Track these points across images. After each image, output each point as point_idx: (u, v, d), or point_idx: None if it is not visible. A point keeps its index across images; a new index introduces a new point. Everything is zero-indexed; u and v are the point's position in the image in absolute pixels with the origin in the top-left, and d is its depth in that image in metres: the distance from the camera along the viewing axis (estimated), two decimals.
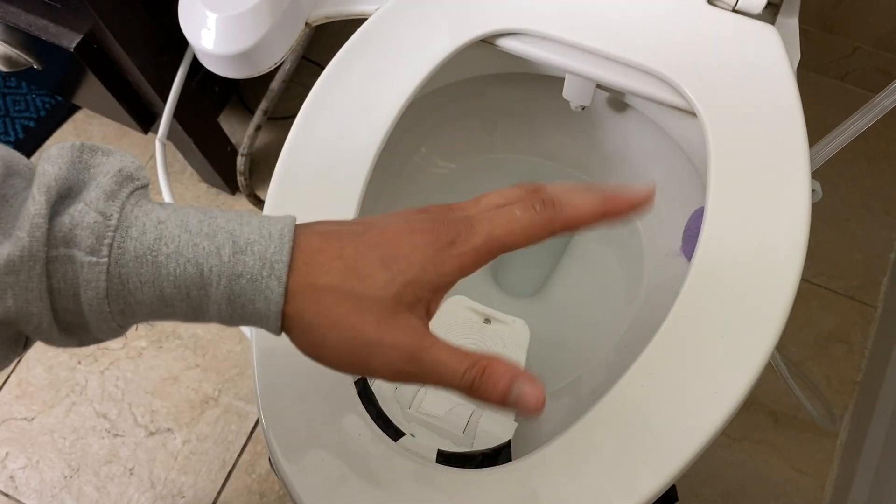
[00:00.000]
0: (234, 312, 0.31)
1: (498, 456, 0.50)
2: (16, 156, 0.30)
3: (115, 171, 0.30)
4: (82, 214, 0.28)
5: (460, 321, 0.61)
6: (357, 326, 0.31)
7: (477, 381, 0.31)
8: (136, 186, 0.31)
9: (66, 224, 0.28)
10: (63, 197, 0.29)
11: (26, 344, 0.31)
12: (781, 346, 0.95)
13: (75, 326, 0.30)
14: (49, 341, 0.30)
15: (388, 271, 0.31)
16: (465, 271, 0.32)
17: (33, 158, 1.14)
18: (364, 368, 0.32)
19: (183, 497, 0.94)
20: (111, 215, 0.29)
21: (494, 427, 0.52)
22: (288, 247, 0.30)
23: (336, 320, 0.31)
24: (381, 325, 0.31)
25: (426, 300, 0.32)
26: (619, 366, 0.66)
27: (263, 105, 0.90)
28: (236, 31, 0.62)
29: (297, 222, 0.32)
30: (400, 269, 0.31)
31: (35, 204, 0.27)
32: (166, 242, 0.29)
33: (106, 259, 0.28)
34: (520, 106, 0.77)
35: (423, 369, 0.31)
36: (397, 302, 0.31)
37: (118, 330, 0.31)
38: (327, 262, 0.31)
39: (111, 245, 0.29)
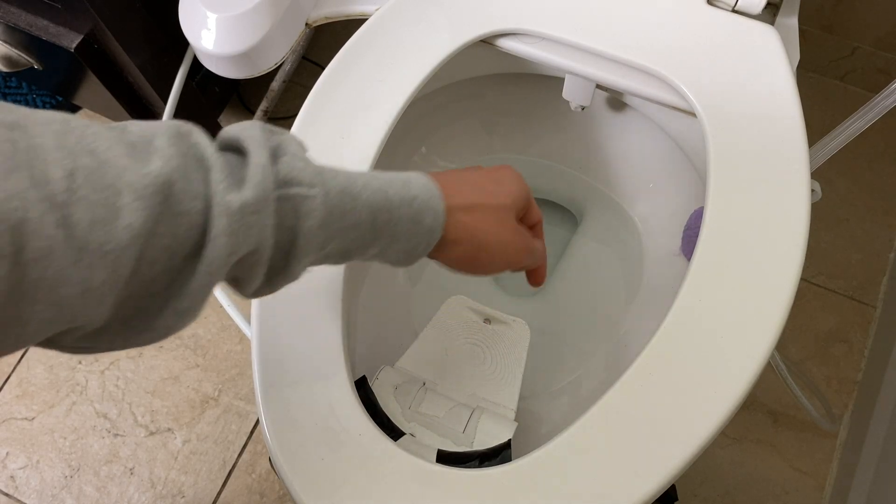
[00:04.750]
0: (409, 227, 0.39)
1: (498, 456, 0.50)
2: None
3: (296, 141, 0.37)
4: (293, 161, 0.35)
5: (460, 321, 0.61)
6: (493, 228, 0.43)
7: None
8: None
9: (285, 168, 0.34)
10: (270, 151, 0.35)
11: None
12: (781, 346, 0.95)
13: (283, 260, 0.36)
14: (249, 290, 0.36)
15: (501, 187, 0.45)
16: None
17: None
18: (497, 263, 0.45)
19: (183, 497, 0.94)
20: (311, 161, 0.36)
21: (494, 427, 0.52)
22: (433, 182, 0.41)
23: (478, 226, 0.42)
24: (508, 227, 0.44)
25: (523, 209, 0.46)
26: (619, 366, 0.66)
27: (264, 105, 0.90)
28: (237, 32, 0.62)
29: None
30: (508, 188, 0.45)
31: (259, 157, 0.33)
32: (354, 180, 0.37)
33: (321, 192, 0.35)
34: (520, 106, 0.77)
35: (532, 257, 0.47)
36: (512, 208, 0.45)
37: (299, 274, 0.37)
38: (462, 187, 0.43)
39: (322, 181, 0.35)
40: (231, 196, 0.31)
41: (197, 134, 0.32)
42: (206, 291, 0.32)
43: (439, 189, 0.41)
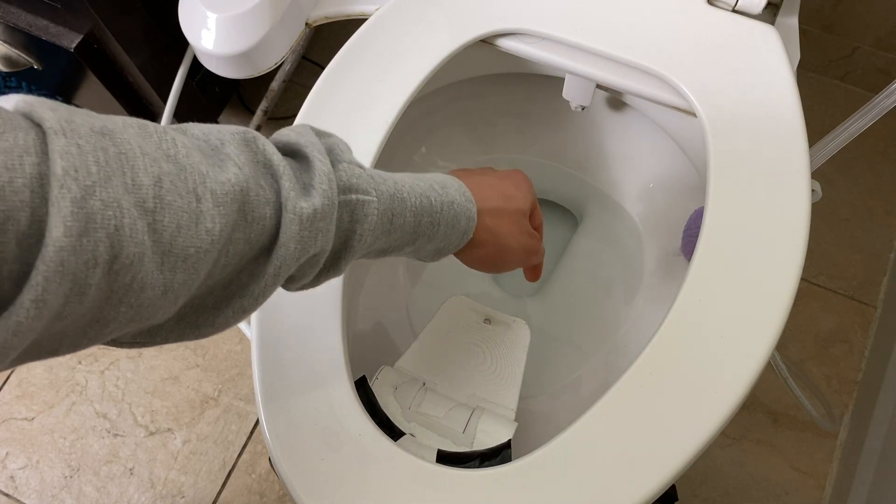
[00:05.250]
0: (448, 232, 0.42)
1: (498, 456, 0.50)
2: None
3: (343, 143, 0.38)
4: (351, 168, 0.36)
5: (461, 321, 0.61)
6: (513, 232, 0.47)
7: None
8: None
9: (345, 176, 0.36)
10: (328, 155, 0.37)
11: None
12: (781, 346, 0.95)
13: (328, 267, 0.38)
14: (303, 283, 0.38)
15: (519, 192, 0.49)
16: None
17: None
18: (511, 263, 0.49)
19: (183, 497, 0.94)
20: (365, 169, 0.38)
21: (494, 427, 0.52)
22: (464, 182, 0.44)
23: (500, 230, 0.46)
24: (524, 230, 0.48)
25: (530, 211, 0.50)
26: (619, 365, 0.66)
27: (263, 105, 0.90)
28: (236, 32, 0.62)
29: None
30: (524, 193, 0.49)
31: (323, 164, 0.35)
32: (400, 186, 0.39)
33: (376, 198, 0.37)
34: (520, 106, 0.77)
35: (538, 256, 0.52)
36: (527, 212, 0.49)
37: (344, 270, 0.39)
38: (488, 191, 0.46)
39: (376, 188, 0.37)
40: (303, 203, 0.33)
41: (262, 141, 0.34)
42: (270, 291, 0.34)
43: (471, 194, 0.44)
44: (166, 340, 0.32)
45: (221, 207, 0.29)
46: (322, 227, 0.34)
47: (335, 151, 0.37)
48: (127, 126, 0.28)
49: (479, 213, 0.44)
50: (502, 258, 0.48)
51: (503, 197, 0.47)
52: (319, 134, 0.38)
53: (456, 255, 0.46)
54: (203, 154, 0.30)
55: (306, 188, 0.34)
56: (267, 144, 0.33)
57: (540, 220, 0.53)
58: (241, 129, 0.33)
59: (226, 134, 0.32)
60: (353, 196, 0.36)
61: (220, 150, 0.31)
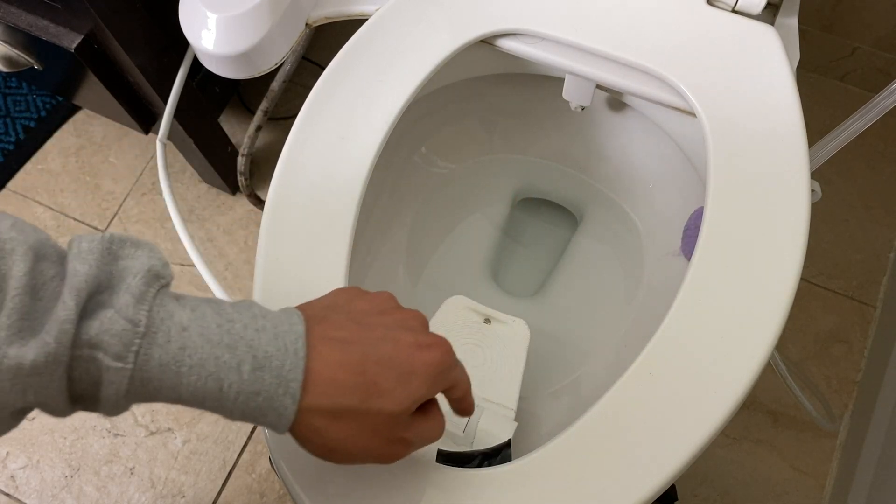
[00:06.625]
0: (245, 418, 0.33)
1: (498, 456, 0.50)
2: (44, 239, 0.31)
3: (143, 272, 0.31)
4: (112, 322, 0.29)
5: (460, 321, 0.61)
6: (358, 440, 0.34)
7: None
8: (162, 285, 0.32)
9: (95, 328, 0.29)
10: (93, 294, 0.30)
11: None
12: (781, 345, 0.95)
13: (86, 403, 0.32)
14: (57, 416, 0.32)
15: (404, 386, 0.34)
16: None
17: (33, 166, 1.13)
18: (353, 461, 0.36)
19: (183, 497, 0.94)
20: (139, 321, 0.30)
21: (494, 427, 0.52)
22: (302, 364, 0.32)
23: (335, 436, 0.34)
24: (381, 438, 0.35)
25: (436, 392, 0.37)
26: (619, 366, 0.66)
27: (264, 105, 0.90)
28: (237, 32, 0.62)
29: (305, 312, 0.35)
30: (414, 387, 0.34)
31: (65, 309, 0.29)
32: (189, 354, 0.31)
33: (131, 365, 0.30)
34: (520, 106, 0.77)
35: (410, 449, 0.37)
36: (402, 415, 0.34)
37: (125, 410, 0.32)
38: (349, 379, 0.33)
39: (137, 353, 0.30)
40: (10, 350, 0.28)
41: (18, 252, 0.29)
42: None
43: (300, 384, 0.32)
44: None
45: None
46: (33, 382, 0.28)
47: (114, 292, 0.30)
48: None
49: (305, 412, 0.33)
50: (335, 458, 0.36)
51: (364, 391, 0.33)
52: (121, 243, 0.32)
53: None
54: None
55: (31, 331, 0.28)
56: (18, 261, 0.29)
57: (461, 392, 0.39)
58: (4, 235, 0.29)
59: None
60: (97, 355, 0.29)
61: None
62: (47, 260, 0.30)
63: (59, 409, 0.31)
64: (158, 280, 0.32)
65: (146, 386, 0.31)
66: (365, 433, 0.34)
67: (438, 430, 0.38)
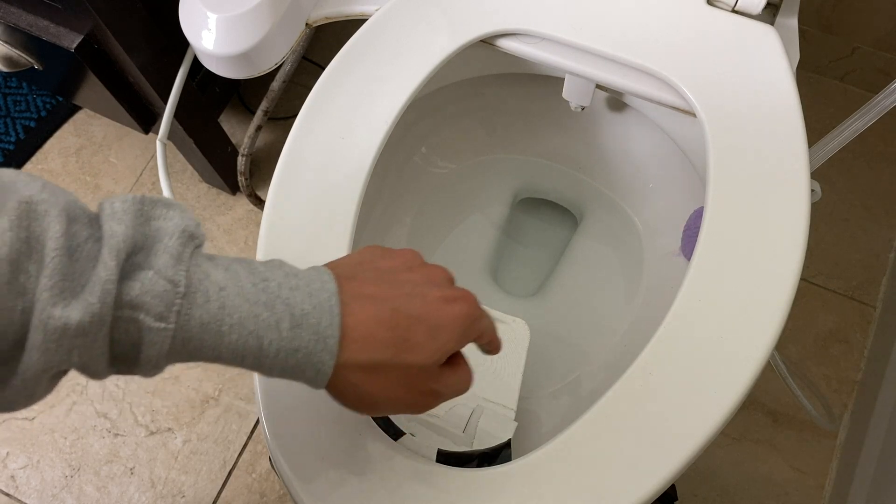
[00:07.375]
0: (283, 375, 0.34)
1: (498, 456, 0.50)
2: (73, 200, 0.31)
3: (178, 232, 0.31)
4: (152, 282, 0.30)
5: None
6: (392, 392, 0.35)
7: None
8: (197, 245, 0.32)
9: (136, 289, 0.29)
10: (130, 255, 0.30)
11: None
12: (781, 345, 0.95)
13: (125, 364, 0.32)
14: (95, 378, 0.32)
15: (434, 340, 0.35)
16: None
17: (33, 166, 1.13)
18: (387, 412, 0.39)
19: (183, 496, 0.94)
20: (179, 282, 0.30)
21: (494, 427, 0.52)
22: (338, 321, 0.33)
23: (369, 390, 0.35)
24: (415, 390, 0.36)
25: (465, 343, 0.38)
26: (619, 365, 0.66)
27: (264, 105, 0.90)
28: (237, 32, 0.62)
29: (334, 270, 0.35)
30: (444, 340, 0.36)
31: (106, 269, 0.29)
32: (229, 312, 0.31)
33: (173, 325, 0.30)
34: (520, 106, 0.77)
35: (440, 400, 0.38)
36: (433, 367, 0.36)
37: (161, 371, 0.32)
38: (382, 334, 0.34)
39: (178, 312, 0.30)
40: (54, 311, 0.27)
41: (51, 217, 0.28)
42: (31, 389, 0.29)
43: (337, 340, 0.33)
44: None
45: None
46: (79, 343, 0.28)
47: (151, 252, 0.30)
48: None
49: (343, 367, 0.33)
50: (370, 411, 0.37)
51: (396, 346, 0.34)
52: (148, 218, 0.31)
53: None
54: None
55: (72, 292, 0.28)
56: (53, 223, 0.28)
57: (489, 338, 0.40)
58: (36, 196, 0.29)
59: (11, 198, 0.28)
60: (139, 316, 0.29)
61: None
62: (79, 221, 0.30)
63: (100, 371, 0.31)
64: (193, 240, 0.32)
65: (186, 346, 0.31)
66: (398, 386, 0.35)
67: (467, 382, 0.39)
